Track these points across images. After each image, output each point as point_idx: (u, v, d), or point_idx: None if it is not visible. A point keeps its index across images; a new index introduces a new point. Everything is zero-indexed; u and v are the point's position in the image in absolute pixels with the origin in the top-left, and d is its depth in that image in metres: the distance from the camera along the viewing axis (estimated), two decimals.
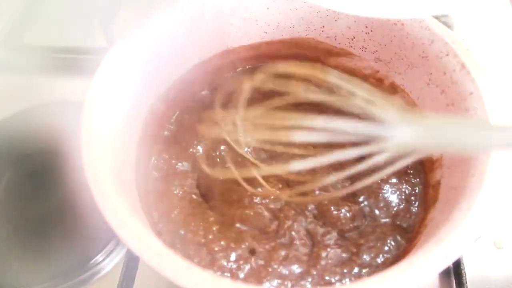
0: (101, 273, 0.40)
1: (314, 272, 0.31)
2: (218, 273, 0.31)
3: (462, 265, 0.36)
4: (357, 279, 0.31)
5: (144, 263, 0.24)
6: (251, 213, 0.34)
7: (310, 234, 0.33)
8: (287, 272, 0.31)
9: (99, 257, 0.40)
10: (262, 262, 0.32)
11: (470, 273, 0.37)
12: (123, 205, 0.26)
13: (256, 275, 0.31)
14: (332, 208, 0.34)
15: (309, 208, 0.35)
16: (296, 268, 0.32)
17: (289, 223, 0.33)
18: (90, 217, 0.38)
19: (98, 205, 0.26)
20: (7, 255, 0.40)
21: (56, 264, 0.39)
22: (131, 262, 0.38)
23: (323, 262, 0.32)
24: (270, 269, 0.31)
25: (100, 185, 0.26)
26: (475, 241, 0.32)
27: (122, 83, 0.32)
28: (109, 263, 0.40)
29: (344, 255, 0.32)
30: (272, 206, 0.34)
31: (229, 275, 0.31)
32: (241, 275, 0.31)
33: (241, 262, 0.32)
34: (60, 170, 0.44)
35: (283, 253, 0.32)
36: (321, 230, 0.33)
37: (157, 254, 0.24)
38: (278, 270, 0.31)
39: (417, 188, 0.35)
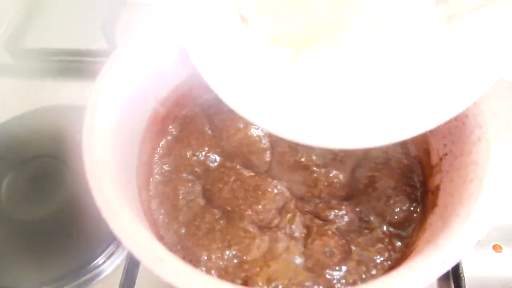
0: (102, 276, 0.40)
1: (313, 266, 0.32)
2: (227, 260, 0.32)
3: (461, 268, 0.37)
4: (356, 277, 0.32)
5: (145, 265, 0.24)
6: (261, 208, 0.35)
7: (309, 228, 0.34)
8: (291, 261, 0.32)
9: (100, 260, 0.40)
10: (266, 249, 0.33)
11: (469, 276, 0.37)
12: (124, 209, 0.26)
13: (263, 260, 0.32)
14: (327, 212, 0.34)
15: (307, 209, 0.35)
16: (297, 259, 0.33)
17: (289, 216, 0.34)
18: (91, 220, 0.38)
19: (99, 209, 0.26)
20: (8, 257, 0.41)
21: (57, 266, 0.39)
22: (132, 265, 0.38)
23: (322, 257, 0.32)
24: (275, 255, 0.32)
25: (102, 189, 0.27)
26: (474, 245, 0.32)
27: (124, 87, 0.32)
28: (110, 266, 0.41)
29: (342, 249, 0.33)
30: (279, 203, 0.35)
31: (236, 261, 0.32)
32: (248, 258, 0.33)
33: (249, 251, 0.33)
34: (61, 173, 0.45)
35: (284, 244, 0.33)
36: (319, 223, 0.34)
37: (158, 259, 0.24)
38: (282, 257, 0.32)
39: (416, 193, 0.36)
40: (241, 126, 0.38)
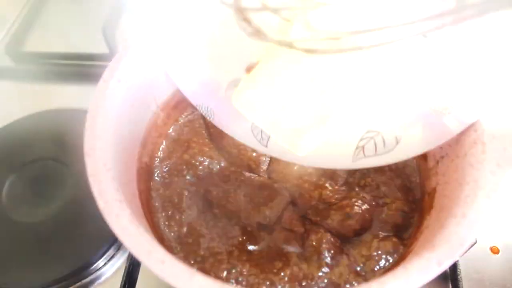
0: (102, 278, 0.40)
1: (311, 257, 0.33)
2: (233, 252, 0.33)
3: (458, 270, 0.37)
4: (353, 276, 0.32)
5: (145, 268, 0.24)
6: (267, 210, 0.35)
7: (305, 227, 0.35)
8: (290, 252, 0.33)
9: (100, 262, 0.40)
10: (267, 243, 0.34)
11: (466, 278, 0.37)
12: (125, 211, 0.27)
13: (265, 252, 0.33)
14: (319, 218, 0.35)
15: (301, 214, 0.36)
16: (297, 251, 0.33)
17: (289, 215, 0.35)
18: (92, 222, 0.39)
19: (100, 211, 0.26)
20: (9, 259, 0.41)
21: (58, 269, 0.39)
22: (133, 267, 0.38)
23: (318, 254, 0.33)
24: (276, 247, 0.33)
25: (103, 191, 0.27)
26: (471, 246, 0.32)
27: (125, 91, 0.33)
28: (110, 268, 0.41)
29: (337, 250, 0.33)
30: (284, 205, 0.36)
31: (237, 254, 0.33)
32: (250, 250, 0.34)
33: (250, 244, 0.34)
34: (62, 176, 0.45)
35: (284, 235, 0.34)
36: (314, 225, 0.35)
37: (159, 261, 0.24)
38: (282, 250, 0.33)
39: (413, 195, 0.36)
40: None
